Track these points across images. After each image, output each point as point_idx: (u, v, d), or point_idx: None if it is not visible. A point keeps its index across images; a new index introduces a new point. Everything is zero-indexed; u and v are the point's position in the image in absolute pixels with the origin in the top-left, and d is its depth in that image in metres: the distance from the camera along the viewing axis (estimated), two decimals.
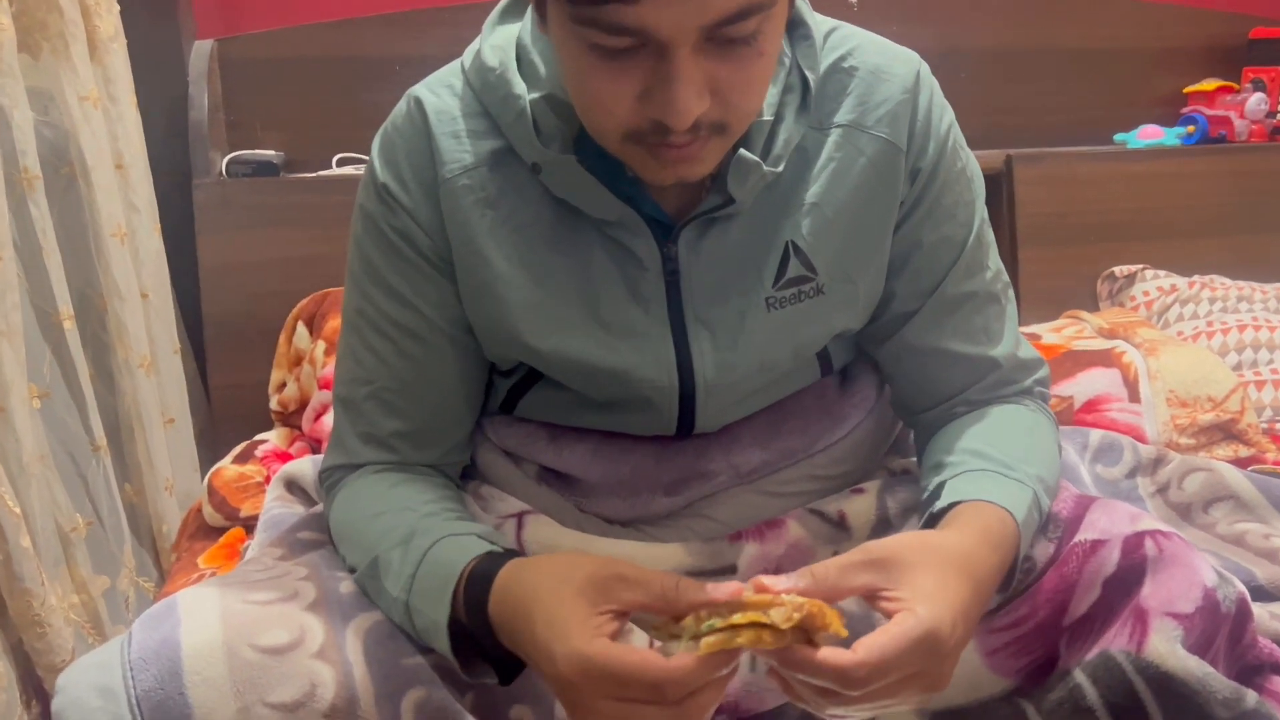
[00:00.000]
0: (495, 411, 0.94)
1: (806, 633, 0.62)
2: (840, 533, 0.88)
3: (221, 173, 1.66)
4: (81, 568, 1.29)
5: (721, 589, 0.63)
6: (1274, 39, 2.13)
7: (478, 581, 0.72)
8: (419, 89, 0.84)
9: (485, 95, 0.80)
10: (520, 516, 0.88)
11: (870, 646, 0.61)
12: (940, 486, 0.79)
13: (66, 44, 1.32)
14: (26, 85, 1.26)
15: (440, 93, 0.83)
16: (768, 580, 0.64)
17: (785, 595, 0.62)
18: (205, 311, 1.61)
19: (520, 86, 0.78)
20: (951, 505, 0.75)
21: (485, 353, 0.88)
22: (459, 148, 0.81)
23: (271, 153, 1.69)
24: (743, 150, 0.76)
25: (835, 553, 0.86)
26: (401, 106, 0.84)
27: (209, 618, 0.72)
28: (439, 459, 0.88)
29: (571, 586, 0.66)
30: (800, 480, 0.90)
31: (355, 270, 0.87)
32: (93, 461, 1.35)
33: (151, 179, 1.51)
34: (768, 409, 0.90)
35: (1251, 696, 0.71)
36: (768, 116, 0.78)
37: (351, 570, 0.81)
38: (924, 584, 0.65)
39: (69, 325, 1.30)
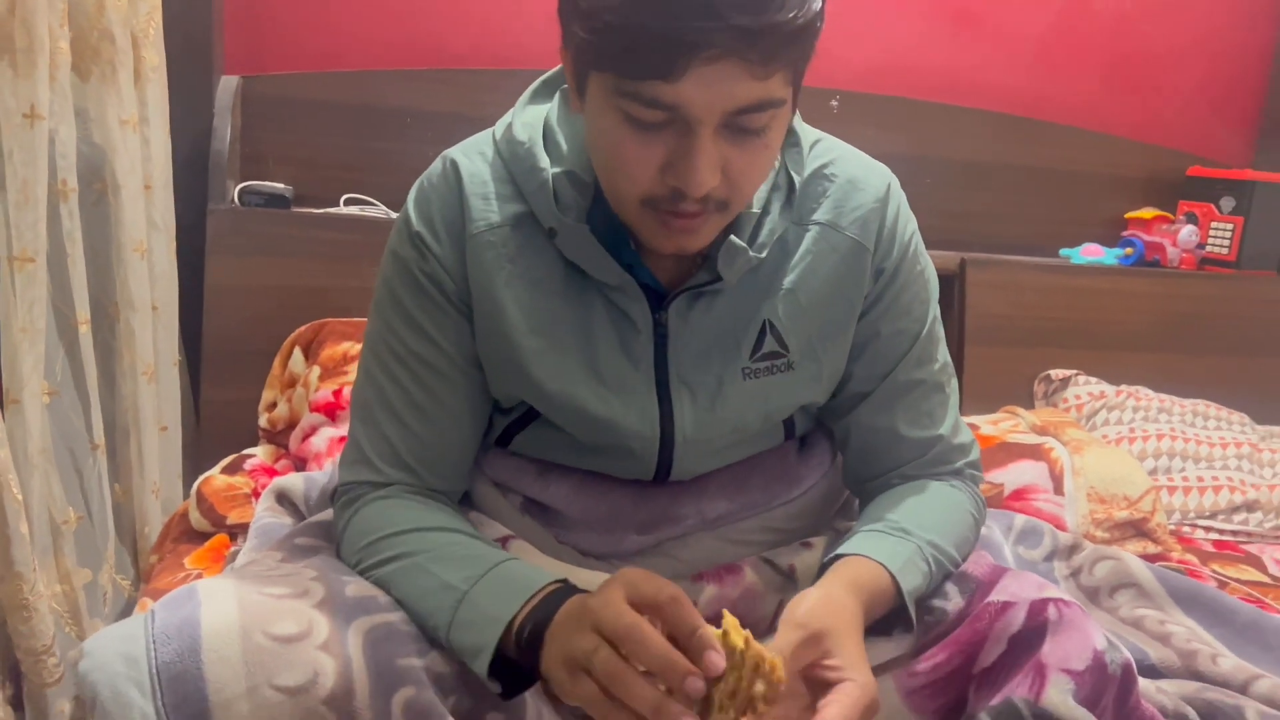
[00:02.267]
0: (490, 446, 1.03)
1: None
2: (789, 583, 0.98)
3: (235, 200, 1.75)
4: (67, 559, 1.34)
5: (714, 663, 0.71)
6: (1208, 178, 2.31)
7: (552, 599, 0.78)
8: (454, 152, 0.94)
9: (513, 164, 0.91)
10: (505, 541, 0.97)
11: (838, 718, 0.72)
12: (837, 545, 0.91)
13: (115, 70, 1.42)
14: (72, 104, 1.35)
15: (473, 158, 0.93)
16: (743, 641, 0.72)
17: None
18: (206, 329, 1.68)
19: (545, 161, 0.89)
20: (835, 559, 0.87)
21: (491, 390, 0.97)
22: (487, 208, 0.91)
23: (282, 186, 1.78)
24: (733, 237, 0.88)
25: (782, 601, 0.97)
26: (437, 166, 0.94)
27: (227, 604, 0.78)
28: (447, 485, 0.97)
29: (620, 582, 0.74)
30: (758, 530, 1.01)
31: (384, 306, 0.95)
32: (90, 459, 1.41)
33: (173, 200, 1.60)
34: (735, 465, 1.00)
35: None
36: (756, 209, 0.90)
37: (376, 564, 0.87)
38: (851, 651, 0.76)
39: (84, 329, 1.37)
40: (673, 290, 0.91)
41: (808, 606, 0.79)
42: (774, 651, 0.73)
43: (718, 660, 0.70)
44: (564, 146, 0.90)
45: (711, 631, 0.71)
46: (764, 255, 0.91)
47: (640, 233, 0.85)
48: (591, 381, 0.92)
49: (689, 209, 0.80)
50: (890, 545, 0.88)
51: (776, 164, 0.92)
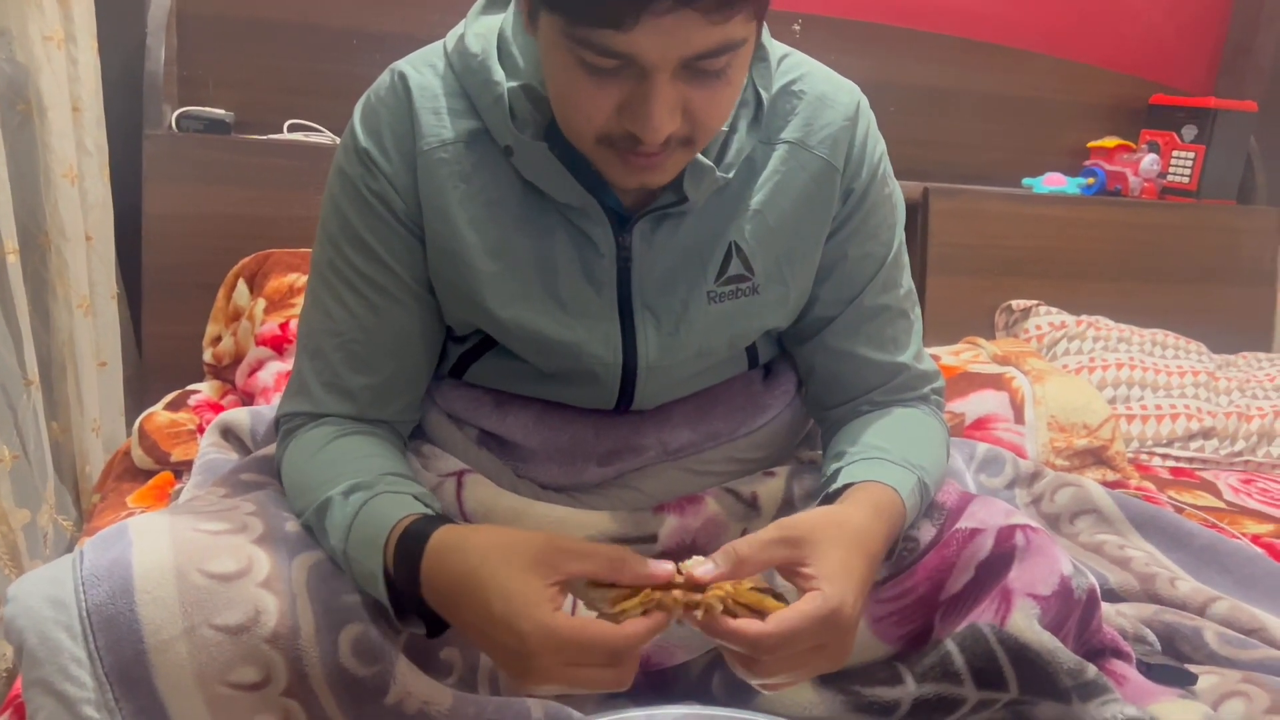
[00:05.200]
0: (444, 376, 0.99)
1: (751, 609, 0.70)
2: (751, 511, 0.96)
3: (172, 126, 1.67)
4: (4, 500, 1.30)
5: (660, 567, 0.70)
6: (1171, 106, 2.30)
7: (410, 540, 0.75)
8: (403, 65, 0.89)
9: (466, 78, 0.86)
10: (460, 476, 0.94)
11: (780, 619, 0.69)
12: (837, 471, 0.88)
13: None
14: None
15: (423, 71, 0.88)
16: (699, 572, 0.70)
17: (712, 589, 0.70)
18: (145, 261, 1.61)
19: (499, 74, 0.84)
20: (846, 486, 0.85)
21: (445, 317, 0.93)
22: (438, 123, 0.86)
23: (222, 111, 1.70)
24: (699, 155, 0.84)
25: (744, 530, 0.96)
26: (385, 79, 0.89)
27: (160, 542, 0.75)
28: (395, 415, 0.93)
29: (521, 561, 0.70)
30: (721, 461, 0.98)
31: (330, 227, 0.90)
32: (24, 396, 1.35)
33: (104, 124, 1.52)
34: (698, 394, 0.98)
35: (1092, 670, 0.82)
36: (724, 127, 0.86)
37: (299, 514, 0.85)
38: (832, 562, 0.72)
39: (12, 259, 1.31)
40: (636, 212, 0.87)
41: (801, 514, 0.77)
42: (746, 540, 0.73)
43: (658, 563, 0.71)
44: (520, 59, 0.85)
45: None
46: (731, 175, 0.87)
47: (600, 168, 0.81)
48: (551, 307, 0.88)
49: (648, 149, 0.76)
50: (899, 474, 0.86)
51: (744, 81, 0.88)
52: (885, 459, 0.87)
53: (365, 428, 0.91)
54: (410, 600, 0.77)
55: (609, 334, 0.89)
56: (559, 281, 0.88)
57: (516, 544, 0.71)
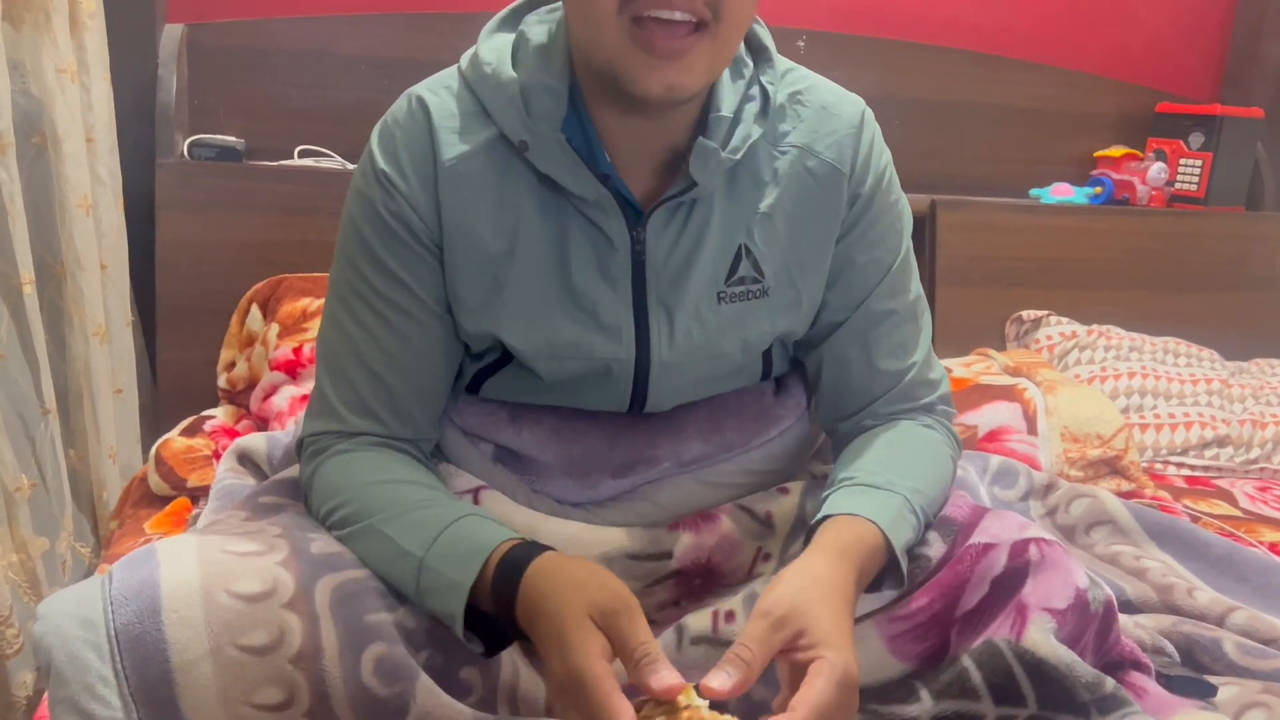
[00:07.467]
0: (460, 393, 1.00)
1: None
2: (766, 530, 0.97)
3: (184, 154, 1.69)
4: (23, 528, 1.31)
5: (663, 682, 0.67)
6: (1177, 114, 2.30)
7: (513, 562, 0.76)
8: (419, 89, 0.92)
9: (479, 86, 0.89)
10: (476, 492, 0.95)
11: (804, 700, 0.68)
12: (821, 502, 0.88)
13: (49, 17, 1.35)
14: (5, 54, 1.28)
15: (440, 93, 0.91)
16: (716, 685, 0.68)
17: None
18: (159, 288, 1.63)
19: (511, 74, 0.87)
20: (824, 519, 0.84)
21: (461, 333, 0.94)
22: (457, 139, 0.89)
23: (233, 139, 1.73)
24: (703, 138, 0.86)
25: (759, 548, 0.96)
26: (402, 103, 0.92)
27: (187, 563, 0.76)
28: (419, 434, 0.94)
29: (584, 599, 0.71)
30: (735, 473, 0.99)
31: (350, 249, 0.92)
32: (41, 424, 1.36)
33: (118, 154, 1.54)
34: (711, 405, 0.98)
35: (1110, 683, 0.81)
36: (727, 113, 0.88)
37: (337, 524, 0.85)
38: (825, 625, 0.71)
39: (29, 290, 1.32)
40: (650, 205, 0.89)
41: (774, 593, 0.75)
42: (745, 641, 0.71)
43: (665, 676, 0.68)
44: (533, 60, 0.88)
45: (658, 647, 0.70)
46: (738, 158, 0.89)
47: (624, 67, 0.80)
48: (566, 302, 0.90)
49: (674, 17, 0.77)
50: (876, 499, 0.85)
51: (747, 73, 0.91)
52: (866, 485, 0.87)
53: (402, 450, 0.92)
54: (481, 618, 0.78)
55: (623, 329, 0.91)
56: (574, 276, 0.90)
57: (590, 583, 0.73)
